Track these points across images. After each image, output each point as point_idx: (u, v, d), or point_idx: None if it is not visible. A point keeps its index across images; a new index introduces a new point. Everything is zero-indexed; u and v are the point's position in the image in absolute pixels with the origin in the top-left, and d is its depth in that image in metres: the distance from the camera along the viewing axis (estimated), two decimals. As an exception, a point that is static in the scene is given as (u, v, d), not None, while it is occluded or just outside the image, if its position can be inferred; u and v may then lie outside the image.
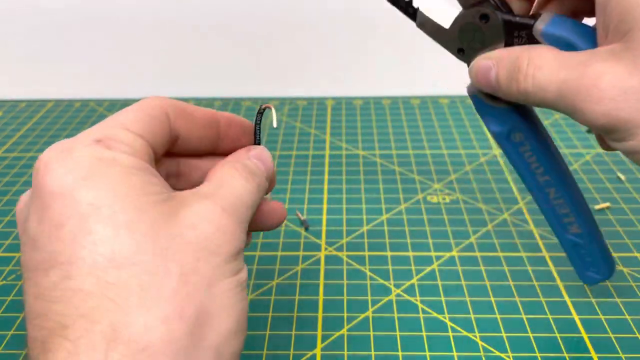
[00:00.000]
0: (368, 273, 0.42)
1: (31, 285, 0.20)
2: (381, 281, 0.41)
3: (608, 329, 0.36)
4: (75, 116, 0.67)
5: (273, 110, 0.30)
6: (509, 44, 0.29)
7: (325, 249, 0.44)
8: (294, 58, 0.70)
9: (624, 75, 0.23)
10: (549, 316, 0.37)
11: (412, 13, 0.31)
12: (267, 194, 0.28)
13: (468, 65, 0.31)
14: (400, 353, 0.35)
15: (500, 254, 0.43)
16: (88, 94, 0.71)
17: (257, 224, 0.28)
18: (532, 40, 0.28)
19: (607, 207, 0.48)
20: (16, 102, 0.71)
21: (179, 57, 0.70)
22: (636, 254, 0.42)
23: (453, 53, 0.31)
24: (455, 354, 0.35)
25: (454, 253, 0.43)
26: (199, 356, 0.19)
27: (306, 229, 0.46)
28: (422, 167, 0.55)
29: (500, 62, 0.28)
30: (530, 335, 0.36)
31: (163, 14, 0.68)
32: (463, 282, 0.40)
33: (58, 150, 0.22)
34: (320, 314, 0.38)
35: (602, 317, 0.37)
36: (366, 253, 0.44)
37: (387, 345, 0.35)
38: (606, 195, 0.49)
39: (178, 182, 0.28)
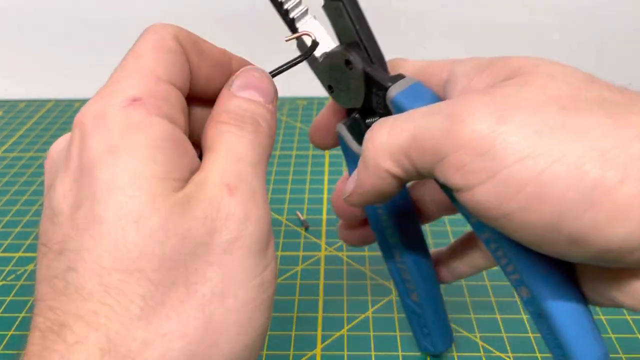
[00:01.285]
0: (368, 273, 0.42)
1: (43, 264, 0.19)
2: (381, 281, 0.41)
3: (609, 329, 0.36)
4: (74, 116, 0.67)
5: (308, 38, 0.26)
6: (367, 97, 0.27)
7: (325, 249, 0.44)
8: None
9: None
10: (549, 316, 0.37)
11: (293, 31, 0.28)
12: None
13: (335, 100, 0.28)
14: (400, 353, 0.35)
15: (501, 254, 0.43)
16: (88, 93, 0.71)
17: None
18: (386, 103, 0.26)
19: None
20: (16, 102, 0.71)
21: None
22: (636, 254, 0.42)
23: (325, 87, 0.28)
24: (455, 354, 0.35)
25: (454, 253, 0.43)
26: None
27: (306, 229, 0.46)
28: (422, 167, 0.55)
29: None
30: (531, 335, 0.36)
31: (162, 14, 0.68)
32: (463, 282, 0.40)
33: (91, 114, 0.20)
34: (320, 314, 0.38)
35: (602, 317, 0.37)
36: (366, 253, 0.44)
37: (387, 346, 0.35)
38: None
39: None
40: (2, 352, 0.36)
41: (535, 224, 0.19)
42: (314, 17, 0.28)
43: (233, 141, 0.20)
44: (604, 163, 0.18)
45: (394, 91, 0.25)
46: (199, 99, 0.23)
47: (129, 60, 0.21)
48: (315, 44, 0.26)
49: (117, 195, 0.18)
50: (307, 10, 0.27)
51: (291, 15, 0.27)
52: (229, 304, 0.18)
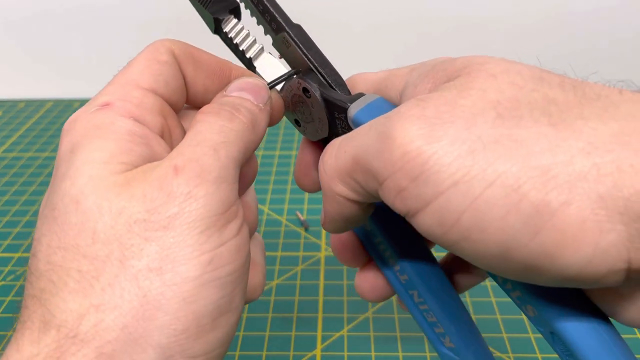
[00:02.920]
0: (368, 273, 0.41)
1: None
2: (381, 281, 0.41)
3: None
4: (74, 116, 0.67)
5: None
6: (332, 123, 0.25)
7: (325, 249, 0.44)
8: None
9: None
10: (550, 316, 0.37)
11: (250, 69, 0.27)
12: (274, 124, 0.25)
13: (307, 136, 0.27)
14: (400, 353, 0.35)
15: (501, 254, 0.43)
16: (87, 93, 0.71)
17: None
18: (350, 125, 0.24)
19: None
20: (15, 102, 0.71)
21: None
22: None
23: (292, 123, 0.27)
24: (455, 354, 0.35)
25: (454, 253, 0.43)
26: (136, 353, 0.17)
27: (306, 229, 0.46)
28: (422, 167, 0.55)
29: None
30: (531, 335, 0.36)
31: (162, 14, 0.68)
32: (463, 283, 0.40)
33: (70, 120, 0.21)
34: (320, 315, 0.38)
35: (602, 317, 0.37)
36: (366, 253, 0.44)
37: (387, 346, 0.35)
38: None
39: None
40: (2, 351, 0.36)
41: (483, 253, 0.17)
42: (270, 53, 0.27)
43: (202, 127, 0.21)
44: (546, 183, 0.16)
45: (352, 110, 0.23)
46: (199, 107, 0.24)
47: (119, 72, 0.22)
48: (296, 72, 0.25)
49: (65, 183, 0.19)
50: (262, 48, 0.27)
51: (248, 55, 0.27)
52: (168, 278, 0.18)
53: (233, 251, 0.19)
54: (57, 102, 0.71)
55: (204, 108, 0.22)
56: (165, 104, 0.22)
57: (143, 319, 0.17)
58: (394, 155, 0.18)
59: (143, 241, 0.18)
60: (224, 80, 0.24)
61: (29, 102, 0.71)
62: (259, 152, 0.57)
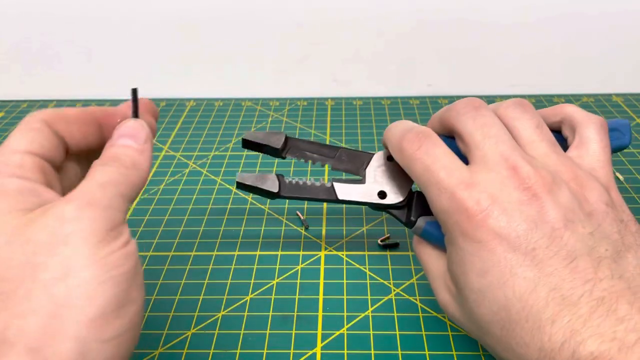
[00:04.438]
0: (368, 272, 0.42)
1: None
2: (381, 280, 0.41)
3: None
4: (76, 116, 0.67)
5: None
6: None
7: (325, 248, 0.44)
8: (294, 58, 0.71)
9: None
10: (548, 315, 0.37)
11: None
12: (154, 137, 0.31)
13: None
14: (400, 352, 0.35)
15: (500, 254, 0.43)
16: (90, 94, 0.72)
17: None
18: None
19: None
20: (18, 103, 0.72)
21: (180, 58, 0.70)
22: (635, 253, 0.42)
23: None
24: (454, 352, 0.35)
25: (454, 252, 0.43)
26: (57, 345, 0.21)
27: (306, 229, 0.47)
28: (422, 167, 0.55)
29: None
30: (529, 334, 0.36)
31: (163, 14, 0.68)
32: (462, 282, 0.40)
33: None
34: (320, 313, 0.38)
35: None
36: (366, 252, 0.44)
37: (386, 345, 0.36)
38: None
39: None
40: None
41: None
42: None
43: (90, 174, 0.25)
44: None
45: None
46: (92, 150, 0.29)
47: (4, 142, 0.26)
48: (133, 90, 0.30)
49: None
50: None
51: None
52: (71, 283, 0.22)
53: (122, 258, 0.23)
54: (59, 103, 0.71)
55: (94, 162, 0.26)
56: (45, 162, 0.26)
57: (58, 317, 0.21)
58: None
59: (48, 258, 0.22)
60: (93, 124, 0.29)
61: (31, 103, 0.72)
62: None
